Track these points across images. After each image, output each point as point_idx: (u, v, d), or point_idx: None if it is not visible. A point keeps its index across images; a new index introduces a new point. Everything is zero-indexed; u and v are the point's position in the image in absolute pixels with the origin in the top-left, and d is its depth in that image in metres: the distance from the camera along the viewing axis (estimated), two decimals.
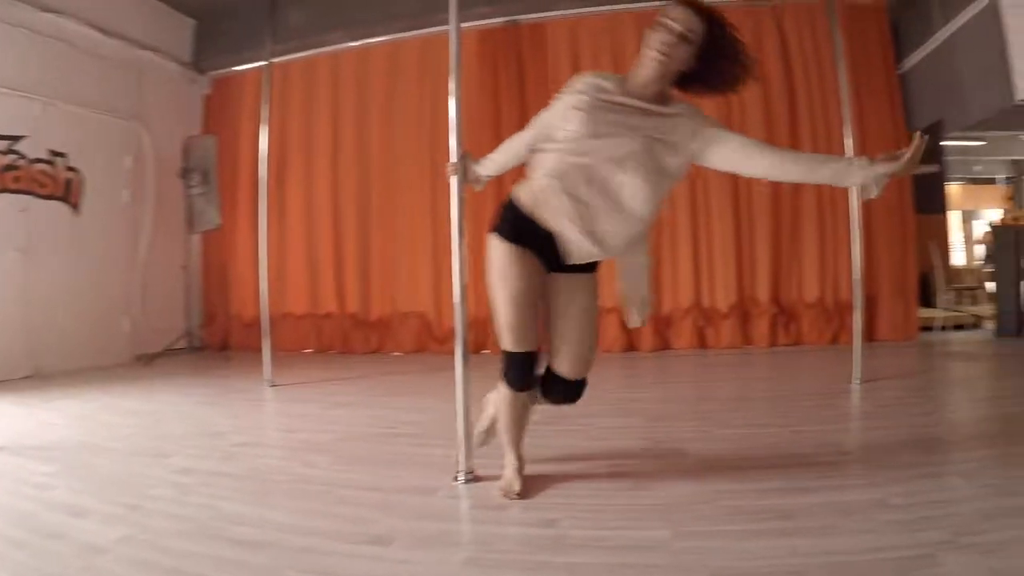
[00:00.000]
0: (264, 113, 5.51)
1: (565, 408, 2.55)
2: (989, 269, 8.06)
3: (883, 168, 1.89)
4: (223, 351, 7.31)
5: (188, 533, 2.14)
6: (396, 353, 6.93)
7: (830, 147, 6.52)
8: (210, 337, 7.47)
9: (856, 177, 1.95)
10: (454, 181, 2.78)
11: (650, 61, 2.03)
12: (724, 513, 2.19)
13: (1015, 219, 7.15)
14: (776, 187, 6.53)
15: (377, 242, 7.16)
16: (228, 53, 7.65)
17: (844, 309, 6.45)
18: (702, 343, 6.54)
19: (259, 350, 7.17)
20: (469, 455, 2.65)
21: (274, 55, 7.27)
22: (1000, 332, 6.60)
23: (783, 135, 6.60)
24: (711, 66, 2.07)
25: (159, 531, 2.15)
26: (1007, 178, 9.78)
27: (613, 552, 1.93)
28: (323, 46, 7.28)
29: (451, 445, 2.66)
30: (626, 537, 2.03)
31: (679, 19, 2.00)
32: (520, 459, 2.50)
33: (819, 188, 6.48)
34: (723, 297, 6.56)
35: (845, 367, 4.72)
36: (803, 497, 2.30)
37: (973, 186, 10.07)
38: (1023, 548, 1.80)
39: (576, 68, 6.69)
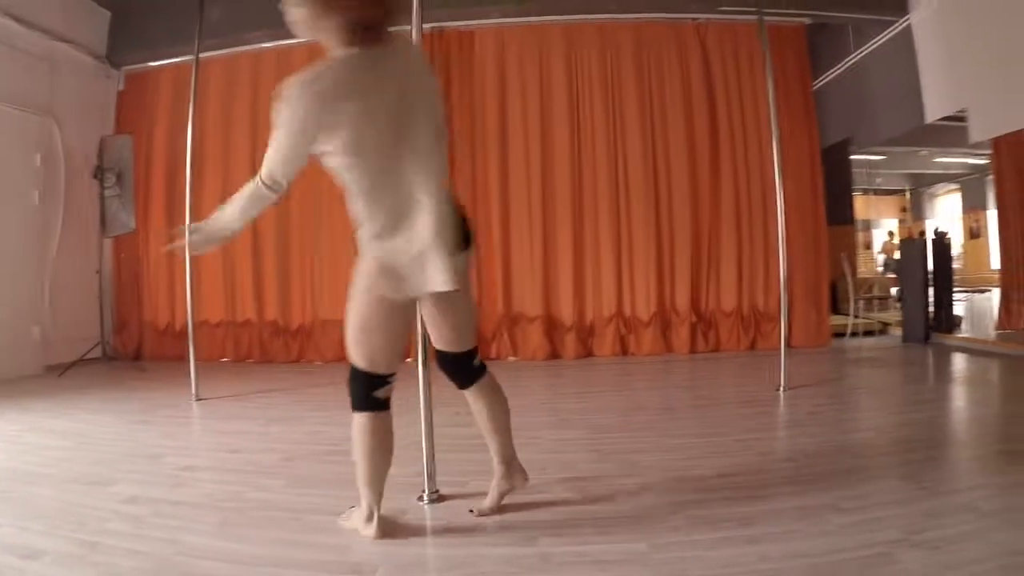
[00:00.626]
0: (191, 111, 5.36)
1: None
2: (891, 276, 8.50)
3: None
4: (136, 360, 6.96)
5: (155, 572, 2.00)
6: (317, 362, 6.76)
7: (747, 158, 6.80)
8: (122, 345, 7.10)
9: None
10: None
11: None
12: (692, 523, 2.26)
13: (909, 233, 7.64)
14: (695, 201, 6.75)
15: (297, 248, 6.97)
16: (143, 48, 7.31)
17: (760, 317, 6.72)
18: (624, 351, 6.64)
19: (175, 359, 7.01)
20: (432, 474, 2.61)
21: (191, 52, 7.07)
22: (907, 339, 7.00)
23: (704, 141, 6.80)
24: None
25: (124, 572, 2.00)
26: (909, 190, 10.34)
27: (599, 567, 1.96)
28: (244, 45, 7.03)
29: (398, 463, 2.53)
30: (607, 551, 2.06)
31: None
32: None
33: (736, 203, 6.75)
34: (644, 306, 6.69)
35: (767, 374, 4.97)
36: (761, 504, 2.42)
37: (873, 197, 10.60)
38: (969, 543, 1.98)
39: (502, 76, 6.77)
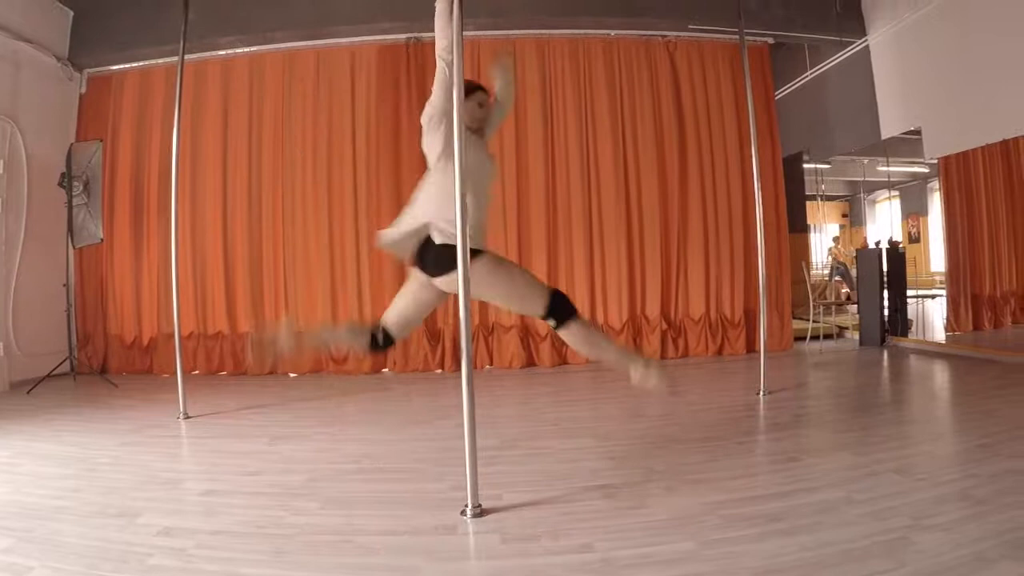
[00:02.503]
0: (176, 115, 5.09)
1: (513, 432, 2.84)
2: (837, 280, 8.84)
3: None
4: (102, 374, 6.72)
5: None
6: (292, 374, 6.71)
7: (714, 170, 7.07)
8: (87, 359, 6.85)
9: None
10: None
11: (475, 124, 3.17)
12: (727, 521, 2.46)
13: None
14: (665, 212, 6.97)
15: (270, 258, 6.89)
16: (108, 49, 7.07)
17: (727, 324, 6.98)
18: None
19: (141, 372, 6.88)
20: (475, 488, 2.64)
21: (162, 55, 6.95)
22: (863, 342, 7.37)
23: (673, 154, 7.02)
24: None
25: None
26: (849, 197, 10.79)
27: (661, 567, 2.11)
28: (214, 50, 6.94)
29: (424, 478, 2.57)
30: (661, 552, 2.21)
31: (482, 103, 3.20)
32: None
33: (704, 214, 7.00)
34: (617, 314, 6.87)
35: (742, 379, 5.38)
36: (783, 501, 2.65)
37: (818, 203, 11.00)
38: (971, 525, 2.26)
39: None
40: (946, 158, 6.72)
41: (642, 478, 3.03)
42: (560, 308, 2.89)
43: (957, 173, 6.69)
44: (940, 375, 5.67)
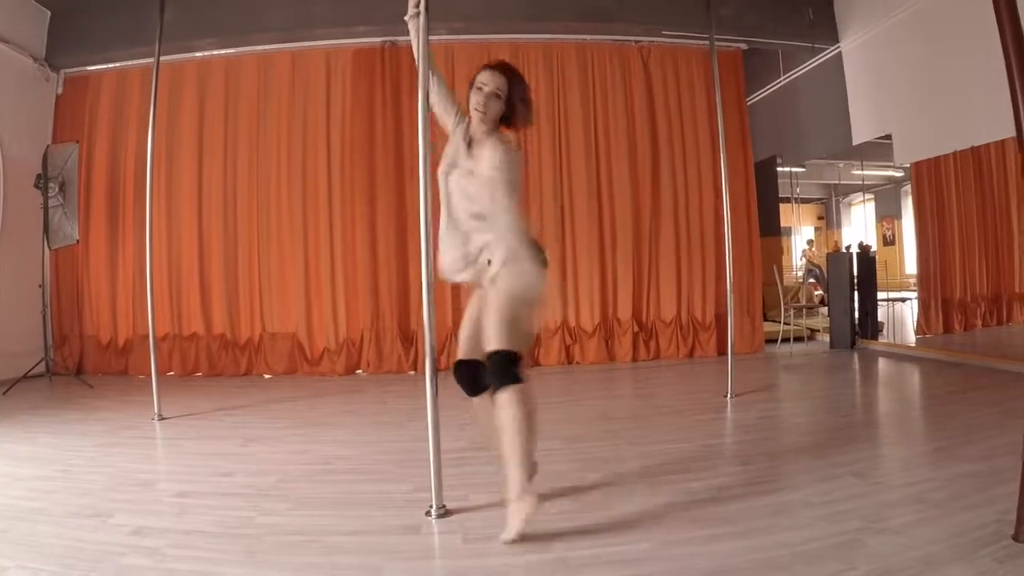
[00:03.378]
0: (151, 115, 5.15)
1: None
2: (811, 282, 8.95)
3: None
4: (78, 375, 6.71)
5: None
6: (267, 376, 6.73)
7: (686, 174, 7.15)
8: (63, 360, 6.87)
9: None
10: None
11: (475, 115, 2.62)
12: (684, 523, 2.52)
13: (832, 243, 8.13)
14: (637, 216, 7.05)
15: (245, 260, 6.92)
16: (86, 50, 7.08)
17: (698, 327, 7.08)
18: (569, 360, 6.88)
19: (117, 373, 6.88)
20: (439, 489, 2.69)
21: (139, 56, 6.89)
22: (834, 344, 7.47)
23: (646, 159, 7.10)
24: (513, 109, 2.64)
25: None
26: (824, 200, 10.93)
27: (614, 567, 2.17)
28: (191, 51, 6.95)
29: (391, 479, 2.59)
30: (618, 552, 2.27)
31: (489, 81, 2.59)
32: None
33: (676, 217, 7.08)
34: (588, 317, 6.95)
35: (711, 381, 5.48)
36: (740, 503, 2.71)
37: (792, 205, 11.13)
38: (923, 529, 2.31)
39: (452, 90, 6.84)
40: (918, 164, 6.82)
41: (605, 480, 3.09)
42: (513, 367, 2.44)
43: (929, 178, 6.79)
44: (906, 378, 5.78)
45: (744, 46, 7.36)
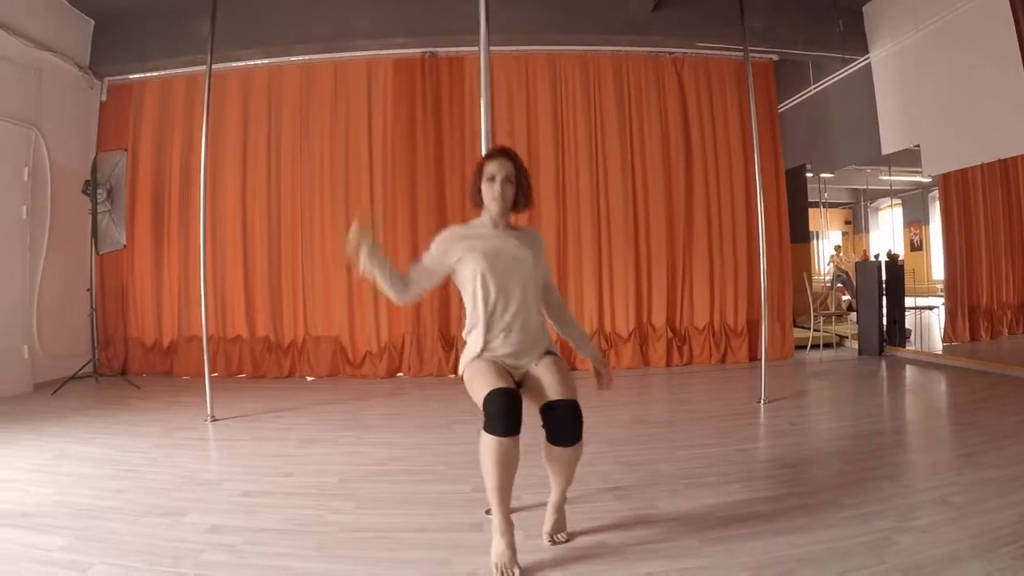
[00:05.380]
0: (205, 122, 5.35)
1: (530, 437, 2.59)
2: (839, 288, 9.04)
3: (596, 364, 2.77)
4: (123, 376, 6.93)
5: None
6: (309, 378, 6.91)
7: (719, 183, 7.29)
8: (107, 361, 7.10)
9: (584, 353, 2.79)
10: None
11: (495, 205, 2.60)
12: (725, 522, 2.72)
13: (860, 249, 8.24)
14: (671, 224, 7.21)
15: (288, 264, 7.10)
16: (129, 59, 7.27)
17: (730, 333, 7.20)
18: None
19: (161, 374, 7.07)
20: None
21: (181, 65, 7.14)
22: (863, 351, 7.60)
23: (679, 168, 7.25)
24: (520, 190, 2.66)
25: None
26: (852, 205, 10.98)
27: (667, 561, 2.38)
28: (235, 61, 7.12)
29: (447, 479, 2.77)
30: (668, 548, 2.48)
31: (499, 170, 2.59)
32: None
33: (708, 225, 7.22)
34: (624, 322, 7.11)
35: (744, 386, 5.67)
36: (776, 504, 2.91)
37: (820, 211, 11.18)
38: (947, 529, 2.50)
39: (492, 102, 6.91)
40: (945, 174, 6.92)
41: (649, 481, 3.28)
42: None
43: (956, 188, 6.88)
44: (932, 386, 5.90)
45: (775, 57, 7.49)
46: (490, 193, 2.59)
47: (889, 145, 7.44)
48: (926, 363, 6.93)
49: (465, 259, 2.56)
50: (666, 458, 3.70)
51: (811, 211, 9.79)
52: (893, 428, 4.49)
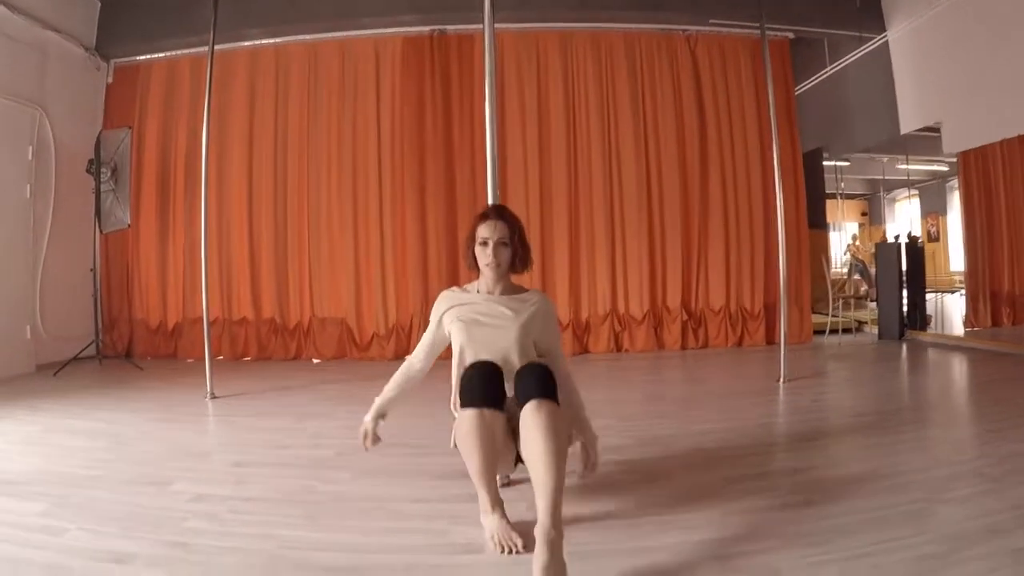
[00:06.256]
0: (207, 103, 5.18)
1: None
2: (856, 278, 8.88)
3: (589, 446, 2.38)
4: (128, 358, 6.78)
5: (267, 567, 1.97)
6: (315, 360, 6.78)
7: (734, 164, 7.13)
8: (112, 343, 6.97)
9: (581, 436, 2.39)
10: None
11: (489, 271, 2.48)
12: (752, 493, 2.54)
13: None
14: (686, 204, 7.04)
15: (295, 246, 6.98)
16: (135, 40, 7.19)
17: (747, 316, 7.03)
18: (618, 347, 6.88)
19: (166, 357, 6.98)
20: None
21: (188, 46, 7.03)
22: (882, 335, 7.40)
23: (694, 147, 7.09)
24: (516, 251, 2.51)
25: (232, 569, 1.95)
26: (869, 195, 10.82)
27: (689, 531, 2.19)
28: (240, 40, 7.02)
29: (452, 452, 2.59)
30: (688, 519, 2.30)
31: (492, 233, 2.47)
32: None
33: (724, 206, 7.06)
34: (637, 304, 6.94)
35: (762, 367, 5.47)
36: (805, 476, 2.76)
37: (837, 201, 11.04)
38: (986, 500, 2.37)
39: (501, 79, 6.81)
40: (965, 154, 6.75)
41: (666, 454, 3.11)
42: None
43: (976, 170, 6.71)
44: (956, 366, 5.72)
45: (791, 35, 7.31)
46: (483, 258, 2.48)
47: (908, 124, 7.26)
48: (949, 346, 6.72)
49: (452, 329, 2.48)
50: (680, 433, 3.51)
51: (828, 203, 9.63)
52: (918, 405, 4.33)
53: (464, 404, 2.16)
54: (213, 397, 4.80)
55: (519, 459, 2.28)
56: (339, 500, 2.58)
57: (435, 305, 2.58)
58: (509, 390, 2.26)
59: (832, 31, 7.47)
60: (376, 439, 2.51)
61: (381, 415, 2.56)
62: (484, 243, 2.46)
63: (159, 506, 2.52)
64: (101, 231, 6.61)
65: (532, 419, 2.03)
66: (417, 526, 2.30)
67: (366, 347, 6.80)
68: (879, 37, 7.39)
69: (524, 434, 2.06)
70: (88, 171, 6.50)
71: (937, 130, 7.02)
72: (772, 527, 2.18)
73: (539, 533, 1.86)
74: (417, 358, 2.63)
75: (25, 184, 6.28)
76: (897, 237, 7.51)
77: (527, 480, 2.11)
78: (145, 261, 7.20)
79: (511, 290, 2.58)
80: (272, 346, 6.92)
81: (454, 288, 2.62)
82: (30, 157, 6.34)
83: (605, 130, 7.04)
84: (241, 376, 5.83)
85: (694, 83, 7.16)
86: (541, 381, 2.13)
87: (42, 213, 6.49)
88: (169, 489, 2.73)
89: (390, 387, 2.61)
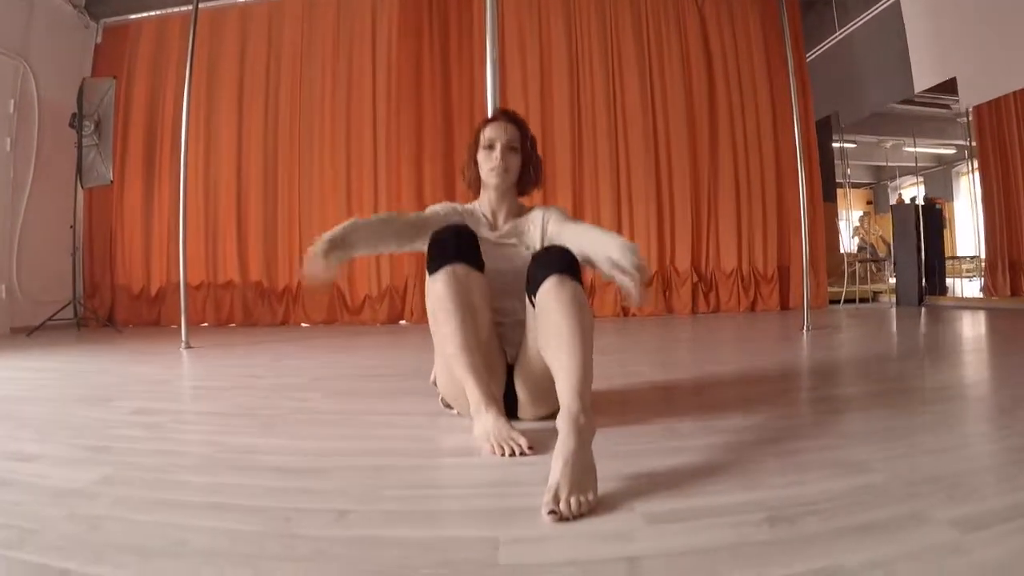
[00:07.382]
0: (189, 61, 4.91)
1: None
2: (866, 258, 8.70)
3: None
4: (107, 325, 6.43)
5: (200, 467, 1.60)
6: (304, 324, 6.46)
7: (745, 125, 6.86)
8: (93, 310, 6.59)
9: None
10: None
11: (494, 177, 2.06)
12: (803, 402, 2.30)
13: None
14: (695, 165, 6.76)
15: (285, 206, 6.69)
16: None
17: (760, 279, 6.72)
18: (625, 312, 6.55)
19: (149, 324, 6.64)
20: None
21: (178, 4, 6.78)
22: (900, 302, 7.11)
23: (703, 109, 6.83)
24: (528, 160, 2.12)
25: (157, 467, 1.59)
26: (873, 184, 10.70)
27: (734, 433, 1.80)
28: None
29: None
30: (736, 423, 1.92)
31: (501, 134, 2.05)
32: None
33: (735, 168, 6.79)
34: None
35: (779, 325, 5.21)
36: (855, 414, 2.15)
37: (844, 190, 10.92)
38: None
39: (501, 37, 6.47)
40: (980, 118, 6.53)
41: (693, 376, 2.82)
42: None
43: (991, 134, 6.50)
44: (981, 322, 5.33)
45: None
46: (488, 163, 2.05)
47: (922, 81, 7.03)
48: (973, 307, 6.47)
49: None
50: (710, 359, 3.19)
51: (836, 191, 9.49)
52: (952, 351, 3.85)
53: (433, 267, 1.77)
54: (188, 347, 4.46)
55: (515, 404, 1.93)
56: (307, 413, 2.23)
57: (434, 206, 2.16)
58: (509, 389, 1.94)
59: None
60: (329, 276, 1.77)
61: (343, 244, 1.79)
62: (490, 146, 2.05)
63: (92, 417, 2.20)
64: (82, 186, 6.28)
65: (555, 293, 1.62)
66: (396, 434, 1.92)
67: (358, 310, 6.48)
68: None
69: (543, 317, 1.65)
70: (71, 125, 6.20)
71: (947, 106, 6.84)
72: (841, 454, 1.61)
73: (563, 421, 1.41)
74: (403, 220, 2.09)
75: (5, 137, 6.00)
76: (913, 199, 7.26)
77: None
78: (129, 223, 6.88)
79: (516, 211, 2.15)
80: (259, 311, 6.59)
81: (456, 205, 2.17)
82: (11, 111, 6.06)
83: (610, 88, 6.77)
84: (223, 337, 5.46)
85: (703, 45, 6.91)
86: (563, 257, 1.69)
87: (23, 169, 6.19)
88: (110, 404, 2.42)
89: (366, 219, 1.95)
